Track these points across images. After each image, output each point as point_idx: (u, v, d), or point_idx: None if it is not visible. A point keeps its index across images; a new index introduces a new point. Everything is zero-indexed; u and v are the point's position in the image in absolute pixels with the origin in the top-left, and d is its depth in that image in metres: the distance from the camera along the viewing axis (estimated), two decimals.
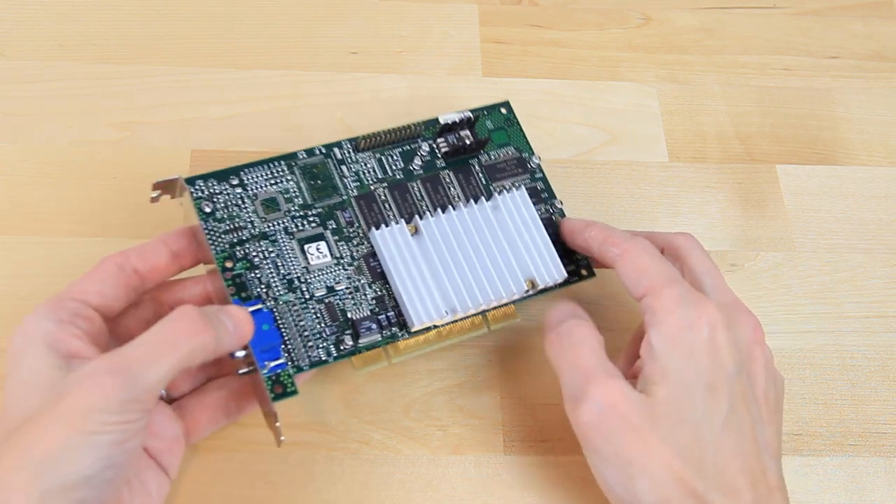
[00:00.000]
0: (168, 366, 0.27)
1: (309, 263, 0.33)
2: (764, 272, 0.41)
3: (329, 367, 0.36)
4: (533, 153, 0.38)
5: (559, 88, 0.45)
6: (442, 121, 0.36)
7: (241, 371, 0.31)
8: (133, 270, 0.31)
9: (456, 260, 0.34)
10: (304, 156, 0.35)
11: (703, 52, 0.47)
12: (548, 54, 0.46)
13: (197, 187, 0.33)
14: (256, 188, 0.34)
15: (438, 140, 0.37)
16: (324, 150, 0.35)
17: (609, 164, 0.43)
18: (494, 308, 0.34)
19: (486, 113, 0.38)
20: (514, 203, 0.35)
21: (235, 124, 0.42)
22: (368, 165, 0.36)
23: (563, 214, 0.37)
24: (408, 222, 0.34)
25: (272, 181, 0.34)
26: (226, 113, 0.42)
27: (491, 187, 0.37)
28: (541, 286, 0.34)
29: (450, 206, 0.35)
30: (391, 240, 0.33)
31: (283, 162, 0.35)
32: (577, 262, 0.36)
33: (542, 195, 0.37)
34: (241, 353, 0.30)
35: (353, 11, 0.46)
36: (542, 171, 0.38)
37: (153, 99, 0.42)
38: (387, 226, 0.34)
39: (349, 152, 0.36)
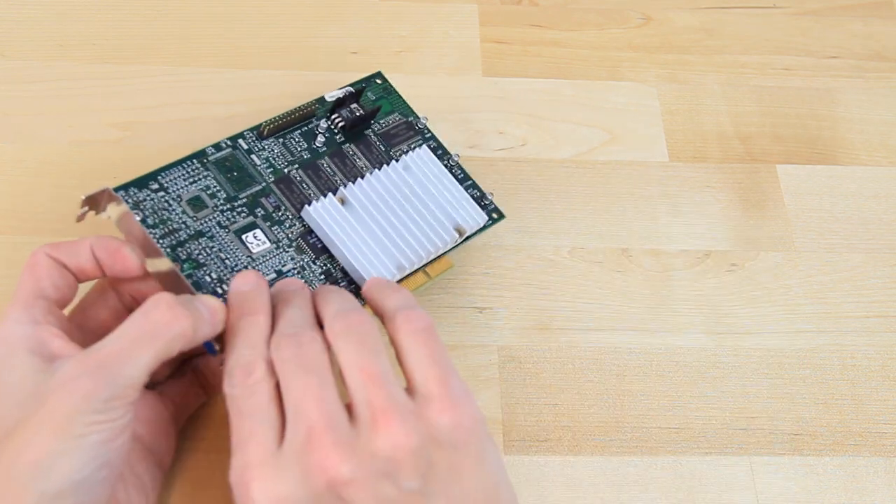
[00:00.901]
0: (147, 358, 0.26)
1: (251, 252, 0.33)
2: (764, 272, 0.41)
3: None
4: (418, 116, 0.39)
5: (559, 88, 0.45)
6: (328, 98, 0.37)
7: (223, 364, 0.31)
8: (63, 265, 0.31)
9: (388, 221, 0.35)
10: (213, 151, 0.35)
11: (703, 52, 0.47)
12: (548, 54, 0.46)
13: (121, 197, 0.33)
14: (178, 190, 0.34)
15: (333, 116, 0.37)
16: (230, 143, 0.36)
17: (609, 164, 0.43)
18: (433, 260, 0.36)
19: (364, 86, 0.39)
20: (422, 160, 0.37)
21: (235, 124, 0.42)
22: (275, 151, 0.36)
23: (460, 167, 0.38)
24: (333, 194, 0.35)
25: (191, 180, 0.34)
26: (226, 113, 0.42)
27: (391, 153, 0.38)
28: (468, 232, 0.36)
29: (366, 174, 0.36)
30: (325, 213, 0.34)
31: (195, 160, 0.35)
32: (486, 207, 0.38)
33: (437, 152, 0.38)
34: (219, 347, 0.30)
35: (353, 11, 0.46)
36: (429, 130, 0.39)
37: (153, 99, 0.42)
38: (316, 201, 0.34)
39: (254, 141, 0.36)
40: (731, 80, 0.46)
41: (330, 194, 0.35)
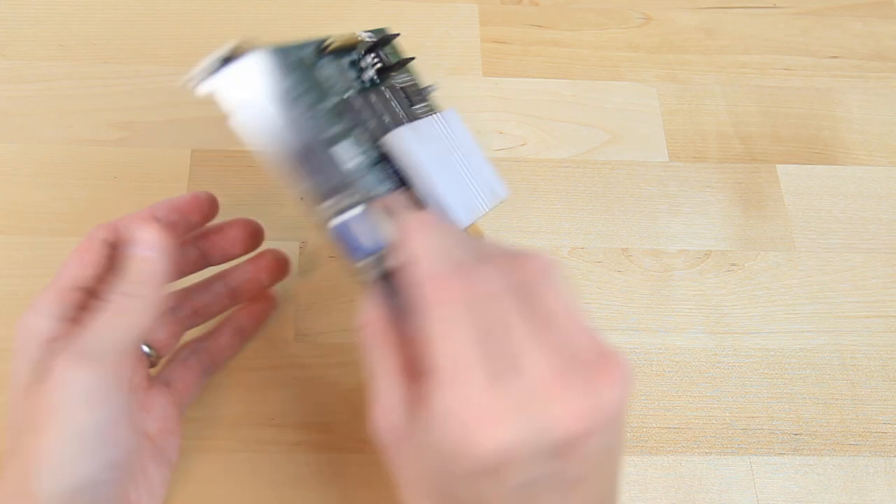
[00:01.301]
0: (124, 335, 0.27)
1: (344, 165, 0.29)
2: (764, 272, 0.41)
3: (331, 370, 0.36)
4: (426, 85, 0.37)
5: (559, 88, 0.45)
6: (364, 36, 0.34)
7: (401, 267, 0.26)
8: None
9: (458, 162, 0.32)
10: (293, 52, 0.30)
11: (703, 52, 0.47)
12: (548, 54, 0.46)
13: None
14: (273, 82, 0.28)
15: (371, 55, 0.35)
16: (294, 51, 0.31)
17: (609, 164, 0.43)
18: (481, 216, 0.33)
19: (389, 37, 0.36)
20: (456, 120, 0.34)
21: None
22: (332, 73, 0.32)
23: None
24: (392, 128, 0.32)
25: (280, 76, 0.29)
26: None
27: (413, 109, 0.35)
28: (503, 197, 0.34)
29: (428, 115, 0.33)
30: (416, 140, 0.31)
31: (279, 55, 0.29)
32: None
33: None
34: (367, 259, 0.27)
35: (353, 11, 0.46)
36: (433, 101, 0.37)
37: (153, 99, 0.42)
38: (405, 127, 0.31)
39: (314, 55, 0.31)
40: (731, 80, 0.46)
41: (409, 124, 0.32)
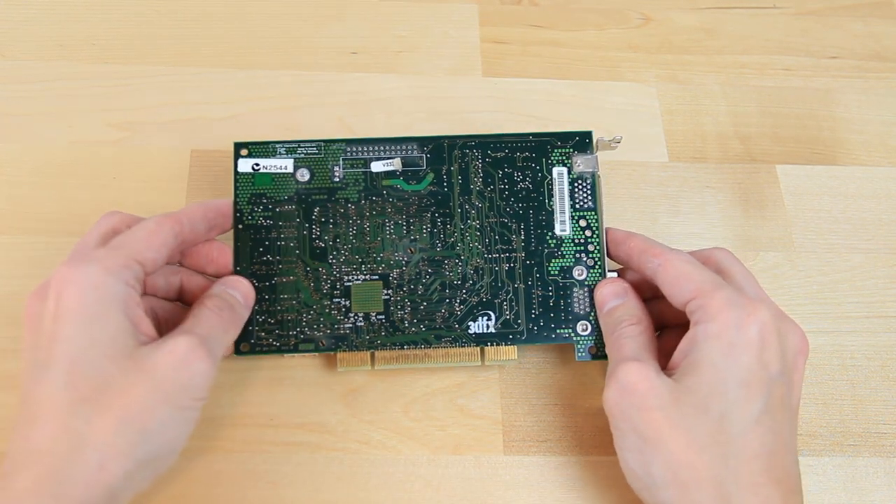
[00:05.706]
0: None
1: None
2: (764, 272, 0.41)
3: (331, 370, 0.37)
4: None
5: (559, 88, 0.45)
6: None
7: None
8: (182, 241, 0.32)
9: None
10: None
11: (703, 52, 0.47)
12: (548, 54, 0.46)
13: None
14: None
15: None
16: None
17: (609, 164, 0.43)
18: None
19: None
20: None
21: (235, 124, 0.42)
22: None
23: None
24: None
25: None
26: (226, 113, 0.42)
27: None
28: None
29: None
30: None
31: None
32: None
33: None
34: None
35: (353, 11, 0.46)
36: None
37: (153, 99, 0.42)
38: None
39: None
40: (731, 80, 0.46)
41: None
